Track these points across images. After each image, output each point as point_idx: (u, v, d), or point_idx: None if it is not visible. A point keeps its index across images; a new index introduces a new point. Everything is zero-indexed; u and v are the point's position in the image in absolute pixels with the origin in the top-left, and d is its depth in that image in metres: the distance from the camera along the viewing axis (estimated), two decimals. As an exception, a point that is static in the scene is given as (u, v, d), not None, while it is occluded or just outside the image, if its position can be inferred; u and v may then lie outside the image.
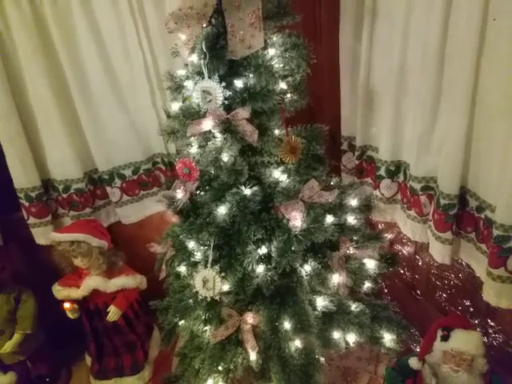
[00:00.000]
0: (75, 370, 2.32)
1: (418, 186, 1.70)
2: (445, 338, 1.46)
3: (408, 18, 1.55)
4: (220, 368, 1.58)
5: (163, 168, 2.24)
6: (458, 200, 1.54)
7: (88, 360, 2.27)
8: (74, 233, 1.92)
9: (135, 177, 2.21)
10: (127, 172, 2.18)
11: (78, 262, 1.97)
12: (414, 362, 1.59)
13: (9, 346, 1.94)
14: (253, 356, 1.55)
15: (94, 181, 2.18)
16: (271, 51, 1.33)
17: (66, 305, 1.96)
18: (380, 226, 2.23)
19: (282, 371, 1.56)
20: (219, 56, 1.25)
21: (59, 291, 2.01)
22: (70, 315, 1.99)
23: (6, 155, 1.89)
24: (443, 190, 1.54)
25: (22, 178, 1.95)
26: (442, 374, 1.45)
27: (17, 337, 1.96)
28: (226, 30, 1.25)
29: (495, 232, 1.36)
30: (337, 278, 1.52)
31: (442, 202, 1.55)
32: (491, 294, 1.47)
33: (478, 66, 1.33)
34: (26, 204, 2.01)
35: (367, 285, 1.67)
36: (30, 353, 2.06)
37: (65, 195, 2.08)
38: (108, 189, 2.17)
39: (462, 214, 1.59)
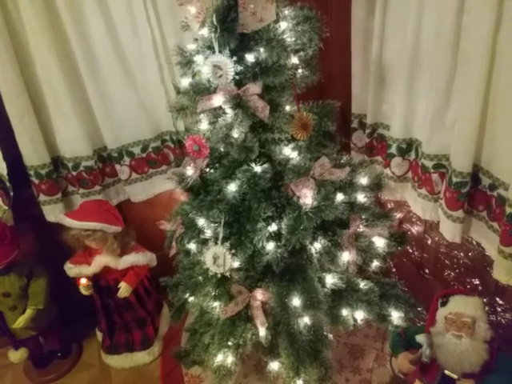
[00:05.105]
0: (86, 345, 2.37)
1: (429, 164, 1.69)
2: (444, 304, 1.47)
3: (423, -10, 1.51)
4: (230, 343, 1.60)
5: (172, 146, 2.23)
6: (470, 178, 1.53)
7: (99, 335, 2.32)
8: (90, 221, 1.90)
9: (144, 155, 2.20)
10: (136, 150, 2.17)
11: (92, 244, 1.98)
12: (420, 338, 1.60)
13: (21, 320, 1.97)
14: (262, 332, 1.57)
15: (103, 158, 2.17)
16: (283, 25, 1.29)
17: (83, 280, 1.98)
18: (389, 205, 2.22)
19: (290, 347, 1.58)
20: (230, 29, 1.23)
21: (71, 269, 2.04)
22: (85, 292, 2.01)
23: (15, 133, 1.89)
24: (456, 168, 1.53)
25: (32, 155, 1.95)
26: (445, 344, 1.45)
27: (29, 312, 1.98)
28: (237, 2, 1.22)
29: (508, 210, 1.35)
30: (346, 256, 1.51)
31: (455, 179, 1.54)
32: (502, 271, 1.47)
33: (494, 42, 1.30)
34: (36, 181, 2.01)
35: (376, 263, 1.67)
36: (42, 328, 2.10)
37: (74, 173, 2.08)
38: (117, 166, 2.16)
39: (474, 192, 1.58)
